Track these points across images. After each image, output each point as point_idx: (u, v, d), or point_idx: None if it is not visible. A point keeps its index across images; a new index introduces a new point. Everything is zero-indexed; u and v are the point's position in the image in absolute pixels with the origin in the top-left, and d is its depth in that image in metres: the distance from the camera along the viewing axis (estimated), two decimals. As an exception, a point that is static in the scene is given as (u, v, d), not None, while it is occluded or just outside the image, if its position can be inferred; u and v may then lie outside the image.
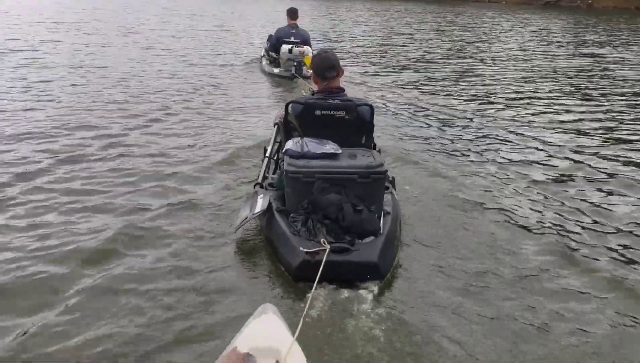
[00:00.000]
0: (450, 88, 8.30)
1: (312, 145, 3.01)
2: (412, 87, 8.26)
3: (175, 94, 6.97)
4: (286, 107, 3.30)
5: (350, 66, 9.67)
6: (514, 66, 10.71)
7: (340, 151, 3.03)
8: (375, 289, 2.59)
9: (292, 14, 8.77)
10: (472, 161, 4.83)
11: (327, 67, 3.19)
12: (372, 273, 2.64)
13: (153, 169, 4.18)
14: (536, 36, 16.24)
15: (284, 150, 3.10)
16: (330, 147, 3.02)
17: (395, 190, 3.44)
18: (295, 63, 8.19)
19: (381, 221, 2.90)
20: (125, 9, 20.50)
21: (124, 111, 5.85)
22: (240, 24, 17.40)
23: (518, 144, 5.38)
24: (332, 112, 3.16)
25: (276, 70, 8.56)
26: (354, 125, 3.20)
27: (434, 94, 7.75)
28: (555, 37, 16.35)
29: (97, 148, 4.58)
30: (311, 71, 3.36)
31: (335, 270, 2.56)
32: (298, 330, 1.64)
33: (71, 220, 3.29)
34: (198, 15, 19.90)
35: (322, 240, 2.62)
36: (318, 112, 3.17)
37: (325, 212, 2.79)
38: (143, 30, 14.17)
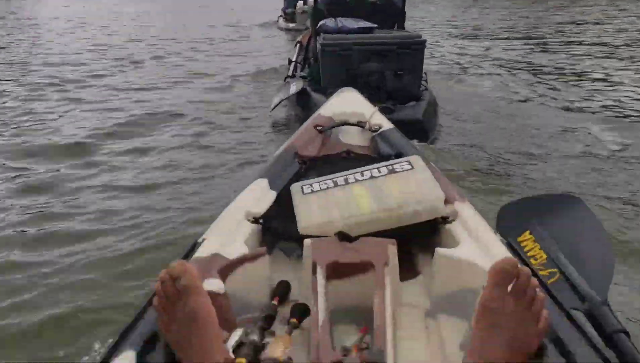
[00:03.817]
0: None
1: (347, 22, 2.94)
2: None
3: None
4: None
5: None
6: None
7: (376, 26, 2.97)
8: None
9: None
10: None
11: None
12: (417, 132, 2.57)
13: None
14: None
15: (317, 26, 3.04)
16: (364, 23, 2.96)
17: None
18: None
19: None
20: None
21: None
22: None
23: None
24: None
25: (291, 25, 9.05)
26: (385, 11, 3.13)
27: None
28: None
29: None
30: None
31: None
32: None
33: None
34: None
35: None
36: None
37: (366, 81, 2.71)
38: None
